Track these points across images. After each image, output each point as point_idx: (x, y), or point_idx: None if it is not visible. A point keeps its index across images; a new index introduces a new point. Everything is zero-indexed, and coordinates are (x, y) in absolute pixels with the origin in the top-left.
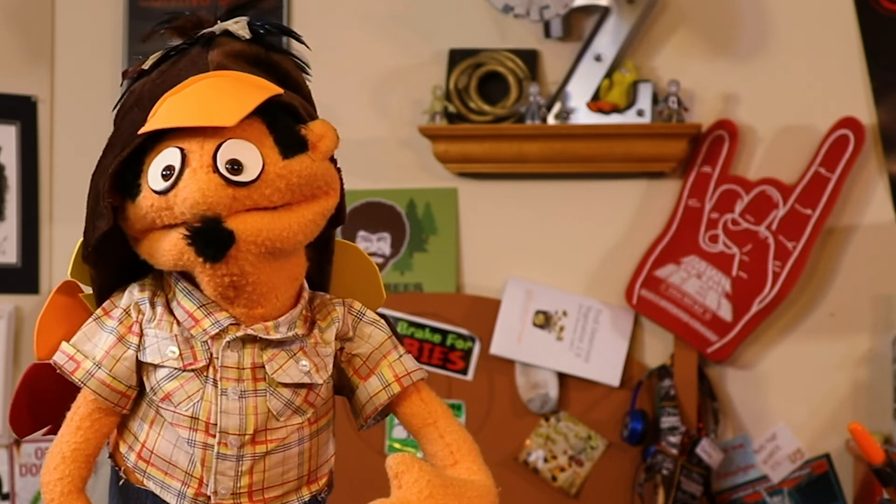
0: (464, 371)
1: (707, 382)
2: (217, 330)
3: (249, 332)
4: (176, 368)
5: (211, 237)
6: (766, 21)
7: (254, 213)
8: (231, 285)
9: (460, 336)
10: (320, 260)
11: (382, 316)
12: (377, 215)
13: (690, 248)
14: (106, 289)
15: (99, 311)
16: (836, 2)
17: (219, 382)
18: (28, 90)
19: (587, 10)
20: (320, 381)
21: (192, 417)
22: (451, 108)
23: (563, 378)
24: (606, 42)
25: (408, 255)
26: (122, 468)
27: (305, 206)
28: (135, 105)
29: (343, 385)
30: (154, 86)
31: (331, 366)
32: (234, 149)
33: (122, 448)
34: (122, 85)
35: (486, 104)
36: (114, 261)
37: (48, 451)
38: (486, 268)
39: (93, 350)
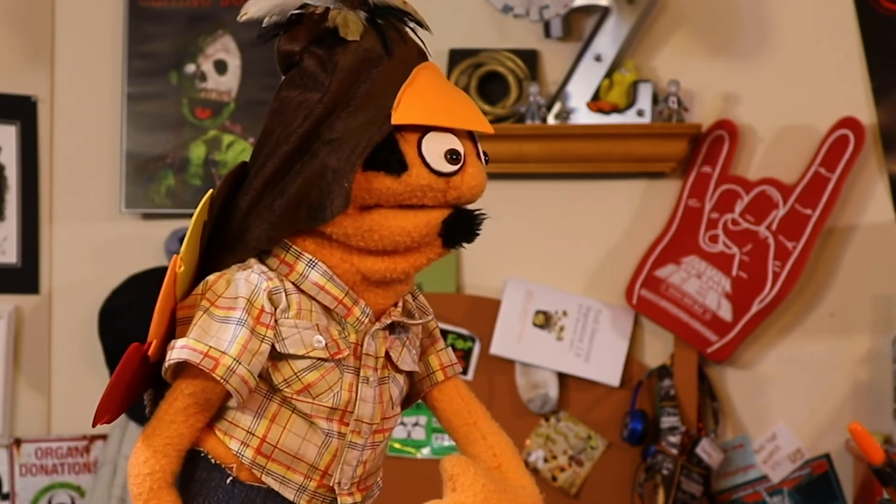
0: (464, 371)
1: (707, 382)
2: (367, 318)
3: (394, 319)
4: (320, 359)
5: (471, 223)
6: (766, 21)
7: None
8: (424, 265)
9: (460, 336)
10: None
11: None
12: None
13: (690, 248)
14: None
15: (204, 303)
16: (836, 2)
17: (360, 370)
18: (28, 90)
19: (587, 10)
20: (417, 369)
21: (331, 408)
22: None
23: (563, 378)
24: (606, 42)
25: None
26: (232, 465)
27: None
28: (372, 82)
29: None
30: (387, 70)
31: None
32: (481, 150)
33: (232, 444)
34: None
35: (486, 104)
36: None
37: (137, 443)
38: (486, 268)
39: (221, 345)
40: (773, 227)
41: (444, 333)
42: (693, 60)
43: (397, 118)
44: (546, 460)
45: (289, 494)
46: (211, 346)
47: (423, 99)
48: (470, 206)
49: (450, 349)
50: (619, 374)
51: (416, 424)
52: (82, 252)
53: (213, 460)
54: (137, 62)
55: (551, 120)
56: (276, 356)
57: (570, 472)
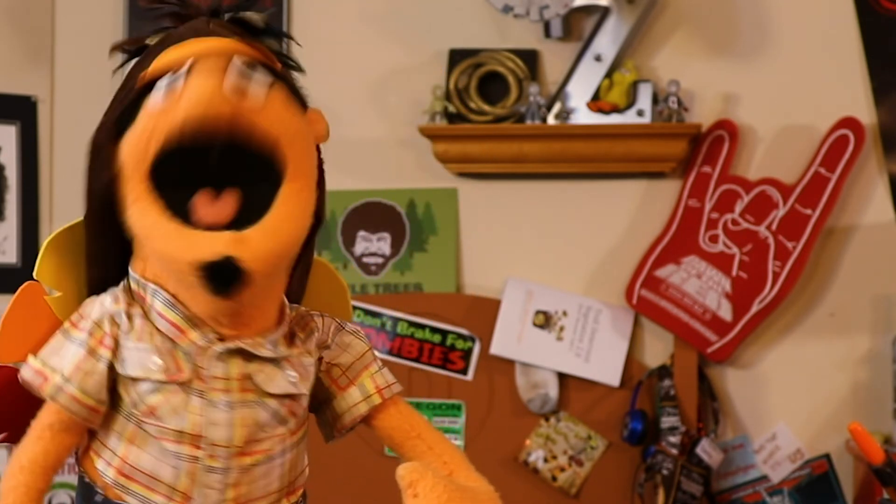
0: (464, 371)
1: (707, 382)
2: (205, 342)
3: (240, 345)
4: (159, 381)
5: (228, 275)
6: (766, 21)
7: (255, 229)
8: (231, 314)
9: (460, 336)
10: (300, 268)
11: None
12: (377, 215)
13: (690, 248)
14: (96, 284)
15: (66, 324)
16: (836, 2)
17: (206, 394)
18: (28, 90)
19: (587, 10)
20: (305, 392)
21: (178, 431)
22: (451, 108)
23: (563, 378)
24: (606, 42)
25: (408, 255)
26: (100, 484)
27: (293, 197)
28: (137, 65)
29: (317, 395)
30: (154, 47)
31: (313, 376)
32: (247, 71)
33: (99, 464)
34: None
35: (486, 104)
36: (111, 253)
37: (10, 459)
38: (486, 268)
39: (60, 363)
40: (773, 227)
41: (445, 333)
42: (693, 60)
43: (145, 74)
44: (546, 460)
45: None
46: (46, 364)
47: (176, 49)
48: (237, 254)
49: (386, 370)
50: (619, 374)
51: None
52: None
53: (86, 480)
54: None
55: (551, 120)
56: (122, 379)
57: (570, 472)
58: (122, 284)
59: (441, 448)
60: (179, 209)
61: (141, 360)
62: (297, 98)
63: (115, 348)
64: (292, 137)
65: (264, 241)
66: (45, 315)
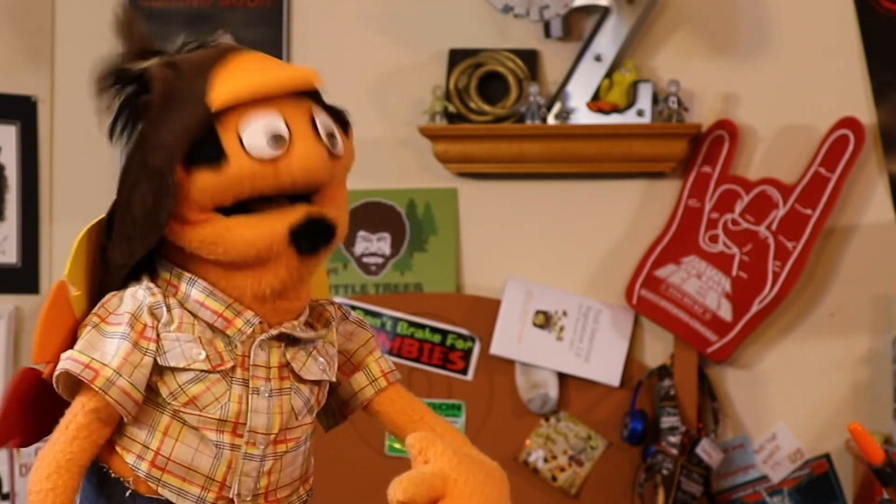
0: (464, 371)
1: (707, 382)
2: (251, 329)
3: (283, 330)
4: (203, 371)
5: (320, 229)
6: (766, 21)
7: (328, 207)
8: (300, 279)
9: (460, 336)
10: None
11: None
12: (377, 215)
13: (690, 248)
14: (110, 287)
15: (94, 319)
16: (836, 2)
17: (250, 381)
18: (28, 90)
19: (587, 10)
20: (333, 378)
21: (220, 420)
22: (451, 108)
23: (563, 378)
24: (606, 42)
25: (408, 255)
26: (130, 479)
27: (343, 200)
28: (174, 79)
29: None
30: (189, 64)
31: (336, 364)
32: (325, 121)
33: (129, 458)
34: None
35: (486, 104)
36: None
37: (38, 458)
38: (486, 268)
39: (104, 358)
40: (773, 227)
41: (444, 333)
42: (693, 60)
43: (213, 99)
44: (546, 460)
45: None
46: (93, 358)
47: (237, 74)
48: (323, 212)
49: (387, 357)
50: (619, 374)
51: None
52: None
53: (113, 475)
54: None
55: (551, 120)
56: (161, 370)
57: (570, 472)
58: (144, 279)
59: (443, 429)
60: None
61: (183, 350)
62: (344, 126)
63: (158, 340)
64: (348, 166)
65: (334, 211)
66: (70, 315)
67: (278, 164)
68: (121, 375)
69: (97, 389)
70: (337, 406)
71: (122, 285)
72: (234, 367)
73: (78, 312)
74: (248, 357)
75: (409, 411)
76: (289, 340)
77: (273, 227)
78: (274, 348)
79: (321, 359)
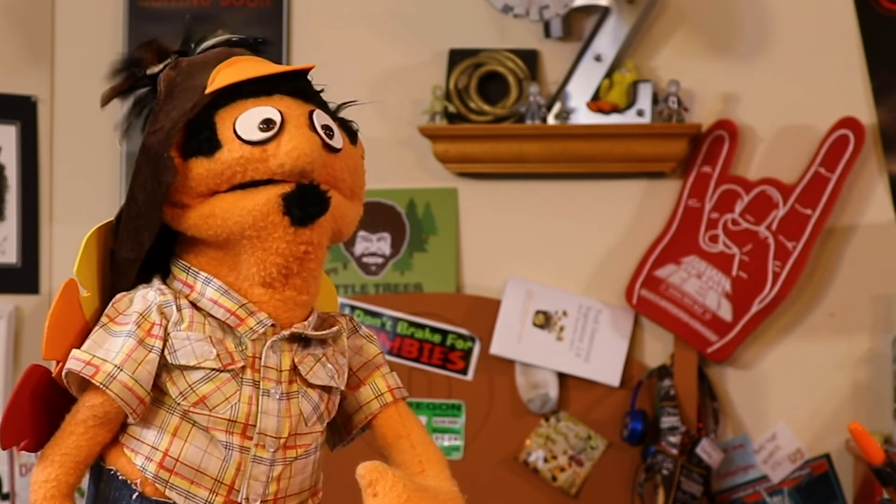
0: (464, 371)
1: (707, 382)
2: (263, 329)
3: (295, 330)
4: (213, 370)
5: (311, 196)
6: (766, 21)
7: (332, 190)
8: (300, 257)
9: (460, 336)
10: None
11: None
12: (377, 215)
13: (690, 248)
14: (121, 287)
15: (103, 319)
16: (836, 2)
17: (260, 383)
18: (28, 90)
19: (587, 10)
20: (341, 387)
21: (229, 420)
22: (451, 108)
23: (563, 378)
24: (606, 42)
25: (408, 255)
26: (138, 480)
27: (349, 207)
28: (181, 76)
29: None
30: (191, 63)
31: (346, 374)
32: (323, 118)
33: (137, 460)
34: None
35: (486, 104)
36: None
37: (41, 452)
38: (486, 268)
39: (107, 355)
40: (773, 227)
41: (445, 333)
42: (693, 60)
43: (210, 89)
44: (546, 460)
45: None
46: (95, 356)
47: (236, 67)
48: (315, 183)
49: (396, 374)
50: (619, 374)
51: None
52: None
53: (120, 477)
54: None
55: (551, 120)
56: (171, 369)
57: (570, 472)
58: (155, 280)
59: (423, 449)
60: None
61: (194, 348)
62: (350, 133)
63: (165, 338)
64: (353, 179)
65: (337, 198)
66: (80, 313)
67: (267, 148)
68: (122, 370)
69: (99, 385)
70: (342, 421)
71: (133, 286)
72: (244, 368)
73: (88, 314)
74: (259, 358)
75: (398, 427)
76: (300, 343)
77: (267, 195)
78: (285, 351)
79: (329, 365)
